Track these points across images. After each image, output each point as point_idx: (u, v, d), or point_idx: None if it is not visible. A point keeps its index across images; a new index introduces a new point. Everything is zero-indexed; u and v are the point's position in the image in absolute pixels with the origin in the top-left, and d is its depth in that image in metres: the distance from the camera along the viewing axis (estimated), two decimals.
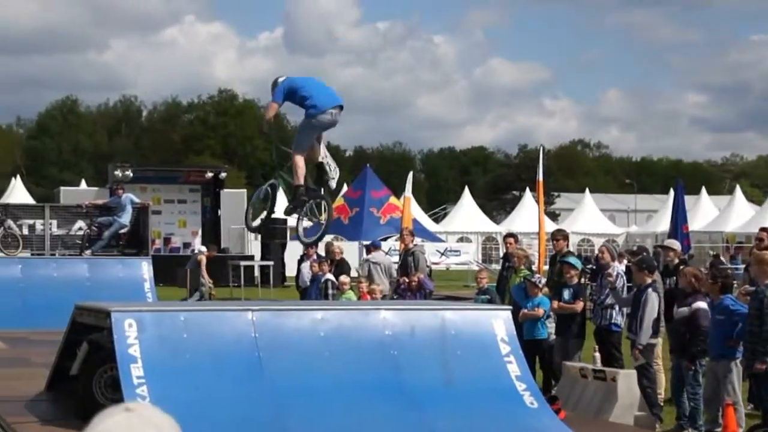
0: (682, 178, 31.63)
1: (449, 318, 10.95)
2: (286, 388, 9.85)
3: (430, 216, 68.09)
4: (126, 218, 23.78)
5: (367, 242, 24.62)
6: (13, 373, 14.32)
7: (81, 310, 11.57)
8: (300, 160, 11.50)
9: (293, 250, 33.06)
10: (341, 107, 11.34)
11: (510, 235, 17.55)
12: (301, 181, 11.53)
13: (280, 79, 11.54)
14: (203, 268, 25.69)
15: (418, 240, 22.70)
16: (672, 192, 38.07)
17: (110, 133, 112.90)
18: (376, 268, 21.22)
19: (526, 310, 13.77)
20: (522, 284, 14.39)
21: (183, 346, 9.92)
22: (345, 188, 52.28)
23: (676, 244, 14.98)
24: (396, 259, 22.68)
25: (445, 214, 74.94)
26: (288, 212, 12.26)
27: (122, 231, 23.85)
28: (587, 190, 69.18)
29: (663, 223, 52.00)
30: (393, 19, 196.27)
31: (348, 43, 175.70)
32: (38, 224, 23.64)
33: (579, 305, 13.53)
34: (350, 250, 34.26)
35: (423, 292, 18.21)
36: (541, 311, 13.71)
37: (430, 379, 10.30)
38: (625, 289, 13.23)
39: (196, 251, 26.60)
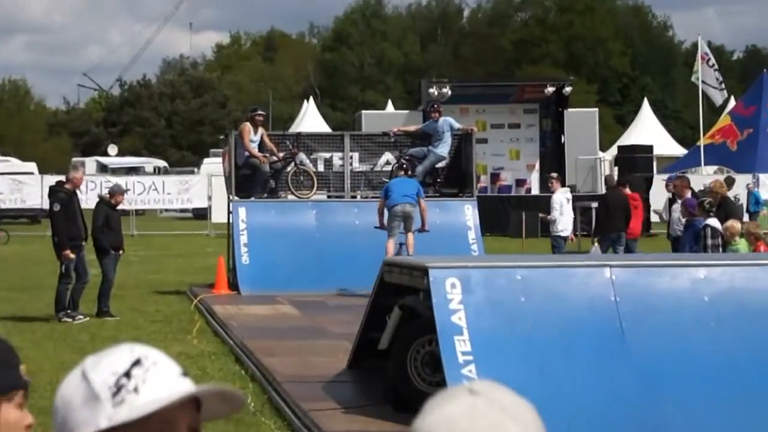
0: None
1: None
2: (659, 368, 9.66)
3: None
4: (444, 149, 24.10)
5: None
6: (309, 346, 14.92)
7: (391, 267, 11.82)
8: None
9: (660, 188, 32.26)
10: None
11: None
12: None
13: None
14: None
15: None
16: None
17: (423, 41, 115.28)
18: None
19: None
20: None
21: (521, 312, 9.91)
22: (732, 103, 50.74)
23: None
24: None
25: None
26: None
27: (439, 165, 24.20)
28: None
29: None
30: None
31: None
32: (336, 158, 24.33)
33: None
34: (739, 186, 33.31)
35: None
36: None
37: None
38: None
39: None
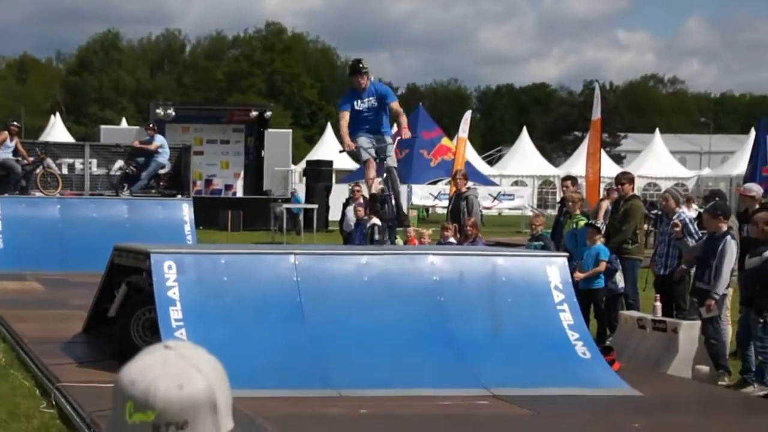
0: (766, 116, 25.97)
1: (500, 264, 10.97)
2: (328, 333, 10.00)
3: (484, 158, 67.65)
4: (164, 158, 24.03)
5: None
6: (51, 315, 14.67)
7: (120, 252, 11.78)
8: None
9: (338, 194, 33.23)
10: None
11: (568, 177, 17.00)
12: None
13: None
14: None
15: (470, 184, 22.61)
16: (753, 131, 36.23)
17: (152, 70, 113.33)
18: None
19: (581, 273, 13.32)
20: (576, 230, 14.23)
21: (223, 289, 10.09)
22: (394, 128, 52.05)
23: (755, 189, 13.49)
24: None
25: (500, 157, 74.54)
26: None
27: (162, 171, 24.11)
28: (657, 130, 67.22)
29: (740, 165, 48.04)
30: None
31: None
32: (78, 164, 24.07)
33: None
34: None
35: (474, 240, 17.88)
36: (603, 265, 13.45)
37: (478, 327, 10.36)
38: (697, 235, 12.76)
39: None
